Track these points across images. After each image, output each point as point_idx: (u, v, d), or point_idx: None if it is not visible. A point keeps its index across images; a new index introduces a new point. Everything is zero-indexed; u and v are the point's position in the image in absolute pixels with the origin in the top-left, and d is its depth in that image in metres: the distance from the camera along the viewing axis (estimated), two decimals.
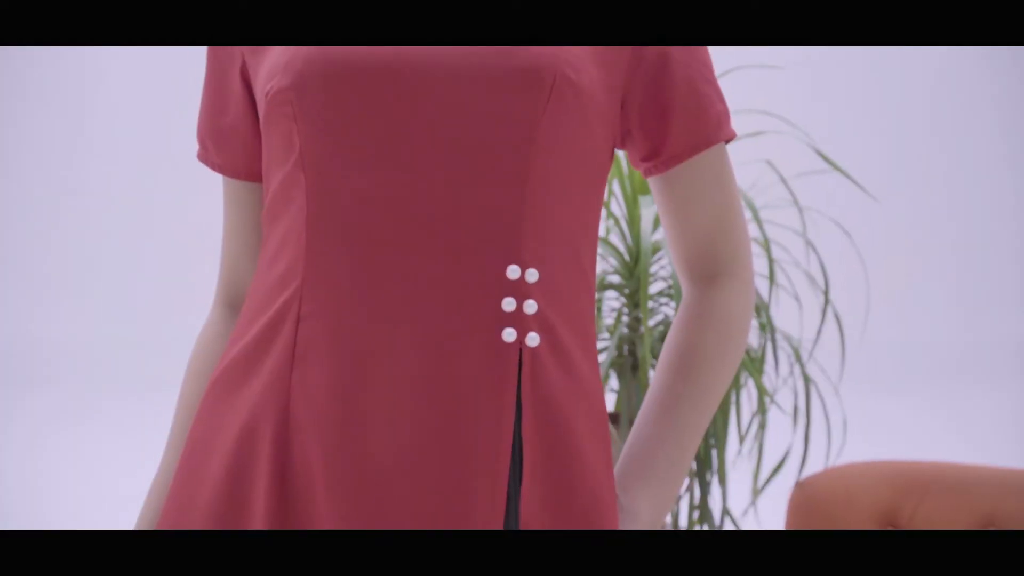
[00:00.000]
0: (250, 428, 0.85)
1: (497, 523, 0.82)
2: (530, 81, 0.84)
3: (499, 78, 0.84)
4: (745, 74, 2.21)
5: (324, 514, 0.82)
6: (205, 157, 1.00)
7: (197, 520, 0.85)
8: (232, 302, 1.03)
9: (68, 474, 4.39)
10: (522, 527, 0.82)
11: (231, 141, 0.97)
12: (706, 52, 0.98)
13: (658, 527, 0.92)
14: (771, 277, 1.93)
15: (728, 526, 2.23)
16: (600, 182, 0.93)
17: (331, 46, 0.86)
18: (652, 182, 0.98)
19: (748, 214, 1.60)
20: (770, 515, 2.83)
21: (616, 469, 0.95)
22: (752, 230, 1.80)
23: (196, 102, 6.94)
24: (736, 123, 1.87)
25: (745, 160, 1.95)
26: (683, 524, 2.33)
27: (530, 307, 0.84)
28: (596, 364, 0.90)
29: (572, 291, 0.88)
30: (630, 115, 0.94)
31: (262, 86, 0.90)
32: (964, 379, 4.85)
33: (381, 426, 0.83)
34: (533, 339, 0.84)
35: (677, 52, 0.92)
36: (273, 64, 0.88)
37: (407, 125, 0.84)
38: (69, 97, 6.84)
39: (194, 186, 6.87)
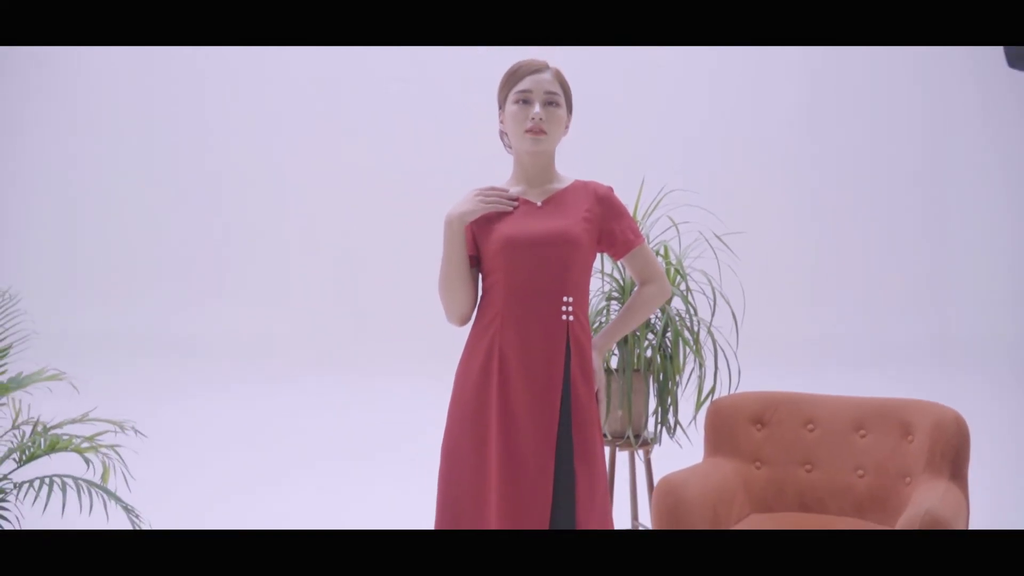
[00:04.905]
0: (488, 353, 2.47)
1: (560, 374, 2.43)
2: (567, 244, 2.49)
3: (558, 243, 2.48)
4: (679, 193, 3.86)
5: (516, 378, 2.44)
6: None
7: (470, 383, 2.49)
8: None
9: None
10: (571, 377, 2.44)
11: (471, 261, 2.58)
12: (630, 218, 2.63)
13: (602, 350, 2.58)
14: (688, 291, 3.57)
15: (678, 432, 3.73)
16: (590, 267, 2.55)
17: (508, 234, 2.51)
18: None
19: (675, 260, 3.04)
20: (702, 421, 3.97)
21: (596, 336, 2.60)
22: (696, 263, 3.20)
23: (231, 104, 7.18)
24: (680, 212, 3.24)
25: (686, 230, 3.52)
26: (651, 428, 3.44)
27: (570, 308, 2.47)
28: (588, 323, 2.52)
29: (582, 301, 2.50)
30: (601, 243, 2.57)
31: (490, 246, 2.52)
32: (816, 357, 6.77)
33: (531, 346, 2.44)
34: (571, 318, 2.47)
35: (615, 224, 2.56)
36: (493, 240, 2.52)
37: (528, 258, 2.49)
38: (95, 94, 7.08)
39: (198, 189, 7.29)
